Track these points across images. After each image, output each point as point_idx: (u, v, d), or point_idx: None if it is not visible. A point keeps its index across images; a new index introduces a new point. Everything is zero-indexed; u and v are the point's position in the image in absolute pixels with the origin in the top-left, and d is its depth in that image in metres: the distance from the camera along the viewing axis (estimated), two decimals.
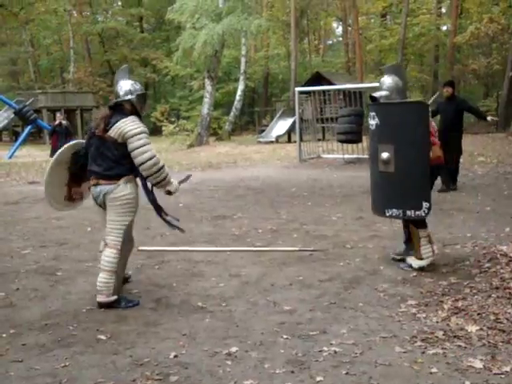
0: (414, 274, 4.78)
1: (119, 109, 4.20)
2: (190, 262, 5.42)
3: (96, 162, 4.17)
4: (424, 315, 3.83)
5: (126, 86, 4.22)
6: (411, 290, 4.40)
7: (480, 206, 7.68)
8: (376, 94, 4.97)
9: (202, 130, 23.32)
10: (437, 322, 3.70)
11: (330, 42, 50.61)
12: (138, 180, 4.29)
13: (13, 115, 22.37)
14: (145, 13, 39.73)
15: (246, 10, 22.98)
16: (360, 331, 3.61)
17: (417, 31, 31.24)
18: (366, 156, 12.85)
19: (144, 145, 4.04)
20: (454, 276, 4.67)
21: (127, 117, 4.11)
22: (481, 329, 3.54)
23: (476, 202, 8.09)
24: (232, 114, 27.85)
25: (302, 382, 2.98)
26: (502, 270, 4.70)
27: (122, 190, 4.11)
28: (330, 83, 21.70)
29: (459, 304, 3.99)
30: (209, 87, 23.48)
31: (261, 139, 24.02)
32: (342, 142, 14.24)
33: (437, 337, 3.45)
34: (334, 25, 48.66)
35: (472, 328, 3.55)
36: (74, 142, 4.55)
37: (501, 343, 3.33)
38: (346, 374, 3.04)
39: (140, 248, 5.76)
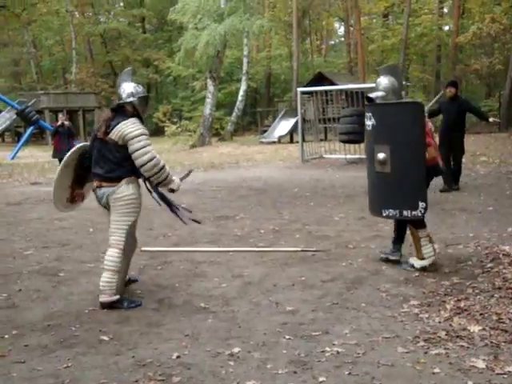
0: (417, 274, 4.78)
1: (121, 111, 4.24)
2: (193, 263, 5.43)
3: (98, 164, 4.22)
4: (426, 315, 3.83)
5: (128, 89, 4.27)
6: (414, 290, 4.39)
7: (482, 206, 7.67)
8: (372, 95, 4.99)
9: (204, 130, 23.33)
10: (439, 322, 3.70)
11: (332, 42, 50.59)
12: (141, 181, 4.33)
13: (15, 116, 22.37)
14: (147, 13, 39.77)
15: (247, 11, 22.98)
16: (362, 331, 3.61)
17: (419, 31, 31.22)
18: None
19: (144, 146, 4.08)
20: (456, 276, 4.67)
21: (128, 119, 4.14)
22: (483, 329, 3.54)
23: (478, 201, 8.08)
24: (234, 114, 27.86)
25: (304, 383, 2.97)
26: (504, 270, 4.69)
27: (124, 190, 4.16)
28: (332, 83, 21.69)
29: (462, 304, 3.98)
30: (211, 88, 23.49)
31: (263, 140, 24.01)
32: (344, 142, 14.24)
33: (439, 337, 3.45)
34: (336, 25, 48.67)
35: (474, 328, 3.54)
36: (80, 144, 4.59)
37: (503, 343, 3.33)
38: (349, 374, 3.04)
39: (143, 248, 5.77)
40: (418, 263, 4.87)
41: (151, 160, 4.08)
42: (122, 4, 44.57)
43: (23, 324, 3.93)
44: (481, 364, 3.07)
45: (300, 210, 8.12)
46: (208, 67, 24.18)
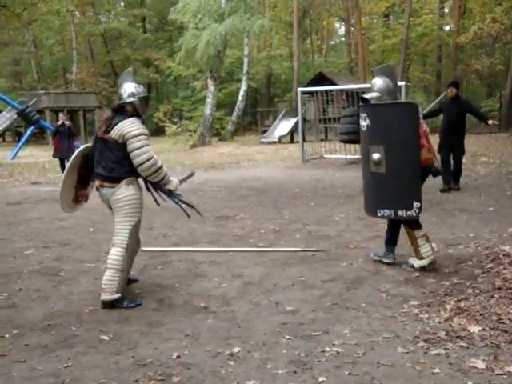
0: (417, 274, 4.78)
1: (121, 111, 4.30)
2: (193, 263, 5.43)
3: (100, 163, 4.27)
4: (426, 316, 3.83)
5: (129, 89, 4.32)
6: (414, 290, 4.39)
7: (483, 207, 7.67)
8: (367, 96, 5.01)
9: (204, 130, 23.34)
10: (439, 323, 3.70)
11: (333, 42, 50.58)
12: (141, 180, 4.35)
13: (15, 116, 22.40)
14: (147, 13, 39.80)
15: (248, 11, 22.97)
16: (362, 331, 3.61)
17: (419, 31, 31.20)
18: None
19: (142, 146, 4.13)
20: (456, 276, 4.67)
21: (128, 118, 4.20)
22: (483, 329, 3.54)
23: (479, 202, 8.08)
24: (235, 114, 27.87)
25: (304, 383, 2.98)
26: (504, 271, 4.69)
27: (124, 191, 4.20)
28: (333, 83, 21.70)
29: (462, 304, 3.98)
30: (211, 87, 23.50)
31: (263, 139, 24.02)
32: (345, 142, 14.23)
33: (439, 337, 3.45)
34: (337, 25, 48.69)
35: (474, 328, 3.55)
36: (84, 146, 4.65)
37: (503, 343, 3.33)
38: (349, 374, 3.04)
39: (143, 248, 5.75)
40: (417, 263, 4.88)
41: (148, 160, 4.13)
42: (122, 4, 44.60)
43: (23, 323, 3.93)
44: (481, 364, 3.07)
45: (300, 209, 8.13)
46: (208, 67, 24.19)
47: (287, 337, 3.56)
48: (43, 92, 31.22)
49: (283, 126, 24.47)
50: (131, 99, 4.28)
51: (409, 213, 4.70)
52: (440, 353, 3.25)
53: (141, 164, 4.12)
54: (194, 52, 23.30)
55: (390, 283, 4.58)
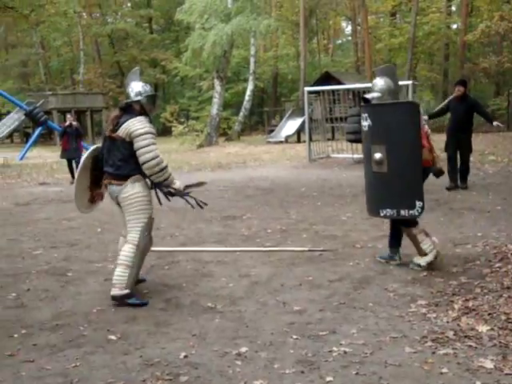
0: (424, 273, 4.76)
1: (129, 109, 4.35)
2: (200, 263, 5.44)
3: (108, 162, 4.34)
4: (434, 315, 3.82)
5: (136, 88, 4.39)
6: (421, 289, 4.38)
7: (491, 206, 7.63)
8: (368, 96, 5.02)
9: (211, 130, 23.36)
10: (447, 322, 3.68)
11: (339, 41, 50.47)
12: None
13: (23, 117, 22.49)
14: (154, 14, 39.87)
15: (254, 10, 22.98)
16: (370, 331, 3.60)
17: (426, 30, 31.04)
18: None
19: (148, 145, 4.18)
20: (464, 276, 4.65)
21: (136, 117, 4.25)
22: (492, 329, 3.52)
23: (487, 201, 8.04)
24: (241, 114, 27.86)
25: (311, 382, 2.97)
26: None
27: (130, 189, 4.25)
28: (340, 83, 21.63)
29: (470, 304, 3.97)
30: (218, 87, 23.51)
31: (270, 139, 24.00)
32: (352, 141, 14.17)
33: (447, 337, 3.44)
34: (343, 24, 48.55)
35: (483, 328, 3.53)
36: (94, 146, 4.70)
37: None
38: (356, 374, 3.03)
39: (150, 248, 5.77)
40: (422, 260, 4.87)
41: (154, 159, 4.17)
42: (129, 4, 44.72)
43: (32, 323, 3.95)
44: (489, 364, 3.06)
45: (307, 209, 8.12)
46: (215, 67, 24.20)
47: (294, 336, 3.56)
48: (51, 93, 31.35)
49: (290, 126, 24.45)
50: (138, 98, 4.34)
51: (411, 212, 4.69)
52: (448, 352, 3.23)
53: (146, 162, 4.16)
54: (200, 52, 23.33)
55: (398, 283, 4.56)
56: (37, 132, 21.85)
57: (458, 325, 3.63)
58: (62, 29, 38.98)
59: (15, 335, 3.74)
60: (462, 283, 4.46)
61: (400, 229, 5.05)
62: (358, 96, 16.07)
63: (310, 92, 16.27)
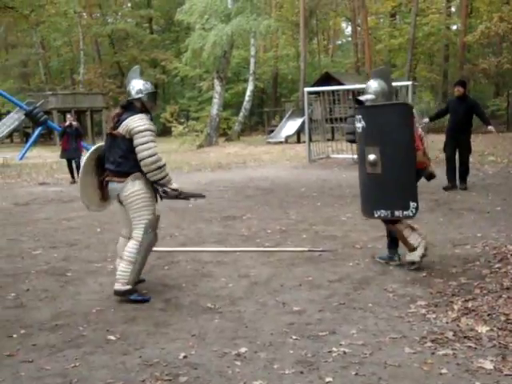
0: (424, 274, 4.76)
1: (130, 107, 4.40)
2: (200, 263, 5.43)
3: (109, 159, 4.38)
4: (434, 316, 3.82)
5: (137, 86, 4.43)
6: (421, 290, 4.38)
7: (490, 206, 7.63)
8: (362, 98, 5.03)
9: (211, 130, 23.37)
10: (447, 323, 3.68)
11: (339, 42, 50.51)
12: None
13: (23, 117, 22.48)
14: (154, 14, 39.89)
15: (255, 11, 22.98)
16: (369, 332, 3.60)
17: (426, 31, 31.08)
18: None
19: (147, 142, 4.21)
20: (463, 276, 4.65)
21: (136, 114, 4.30)
22: (491, 329, 3.52)
23: (486, 201, 8.04)
24: (241, 114, 27.86)
25: (311, 383, 2.97)
26: None
27: (130, 187, 4.28)
28: (339, 83, 21.64)
29: (469, 304, 3.97)
30: (218, 88, 23.52)
31: (270, 140, 23.99)
32: (351, 141, 14.05)
33: (447, 337, 3.44)
34: (343, 25, 48.58)
35: (482, 329, 3.53)
36: (96, 146, 4.70)
37: (511, 344, 3.31)
38: (356, 374, 3.03)
39: None
40: (414, 255, 4.84)
41: (151, 156, 4.20)
42: (129, 5, 44.72)
43: (31, 323, 3.95)
44: (488, 365, 3.06)
45: (307, 209, 8.12)
46: (215, 67, 24.21)
47: (294, 337, 3.56)
48: (51, 93, 31.32)
49: (290, 126, 24.45)
50: (139, 95, 4.38)
51: (406, 213, 4.70)
52: (447, 353, 3.23)
53: (143, 159, 4.19)
54: (200, 52, 23.34)
55: (397, 283, 4.56)
56: (37, 132, 21.87)
57: (458, 325, 3.63)
58: (62, 29, 38.99)
59: (14, 335, 3.74)
60: (462, 284, 4.46)
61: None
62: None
63: (309, 92, 16.27)
